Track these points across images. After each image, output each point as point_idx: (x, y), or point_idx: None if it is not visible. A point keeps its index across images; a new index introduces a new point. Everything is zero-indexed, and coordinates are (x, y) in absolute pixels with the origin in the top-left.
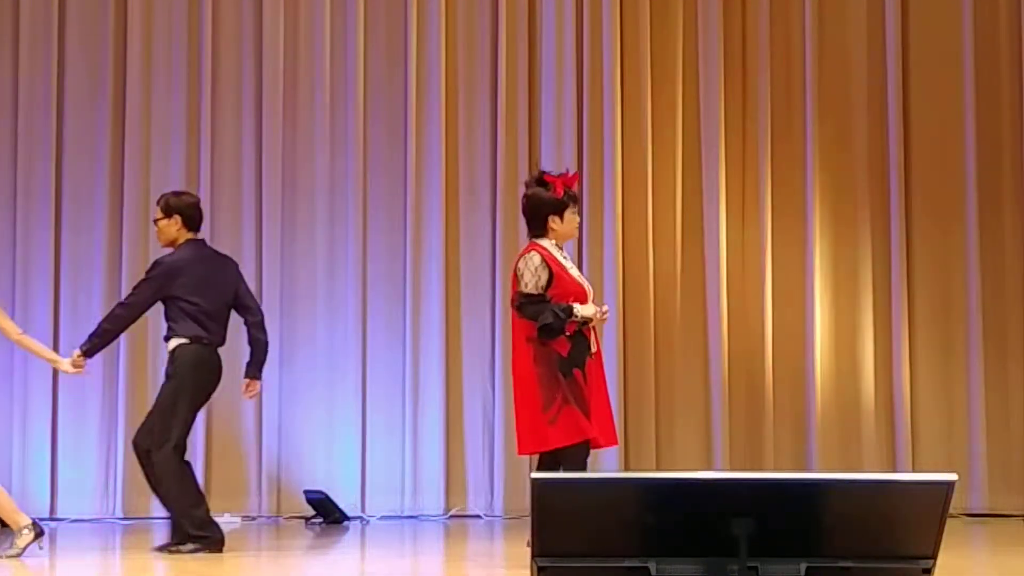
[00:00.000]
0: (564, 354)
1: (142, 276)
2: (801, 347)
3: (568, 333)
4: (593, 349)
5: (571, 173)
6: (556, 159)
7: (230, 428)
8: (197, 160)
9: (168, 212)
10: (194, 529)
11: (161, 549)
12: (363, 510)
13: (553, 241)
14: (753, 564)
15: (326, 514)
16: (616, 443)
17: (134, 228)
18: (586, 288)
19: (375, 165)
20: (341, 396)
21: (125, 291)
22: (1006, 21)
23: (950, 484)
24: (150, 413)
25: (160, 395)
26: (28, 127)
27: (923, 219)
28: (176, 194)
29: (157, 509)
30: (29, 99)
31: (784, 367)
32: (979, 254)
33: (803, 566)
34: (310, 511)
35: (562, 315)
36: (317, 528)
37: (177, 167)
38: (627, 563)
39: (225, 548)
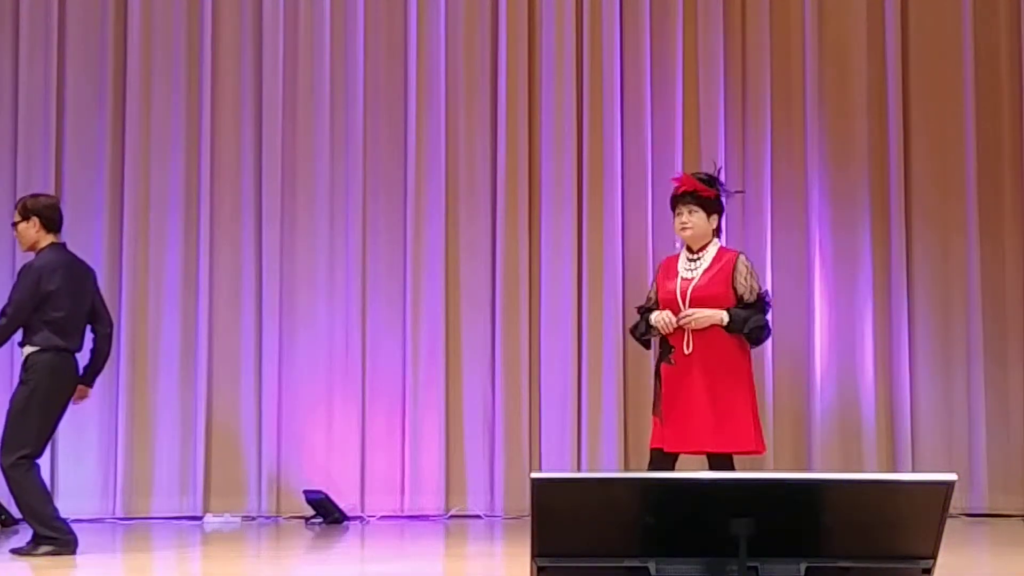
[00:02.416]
0: (656, 361)
1: (15, 286)
2: (801, 347)
3: (661, 337)
4: (688, 351)
5: (681, 174)
6: (556, 159)
7: (230, 428)
8: (197, 160)
9: (26, 215)
10: (46, 530)
11: (16, 552)
12: (363, 510)
13: (686, 246)
14: (753, 564)
15: (326, 514)
16: (695, 449)
17: (134, 228)
18: (677, 295)
19: (375, 165)
20: (341, 396)
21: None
22: (1006, 21)
23: (950, 484)
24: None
25: (12, 402)
26: (28, 127)
27: (923, 220)
28: (33, 196)
29: (158, 509)
30: (29, 99)
31: (784, 367)
32: (979, 254)
33: (803, 566)
34: (310, 511)
35: (640, 326)
36: (317, 528)
37: (177, 167)
38: (627, 563)
39: (222, 548)
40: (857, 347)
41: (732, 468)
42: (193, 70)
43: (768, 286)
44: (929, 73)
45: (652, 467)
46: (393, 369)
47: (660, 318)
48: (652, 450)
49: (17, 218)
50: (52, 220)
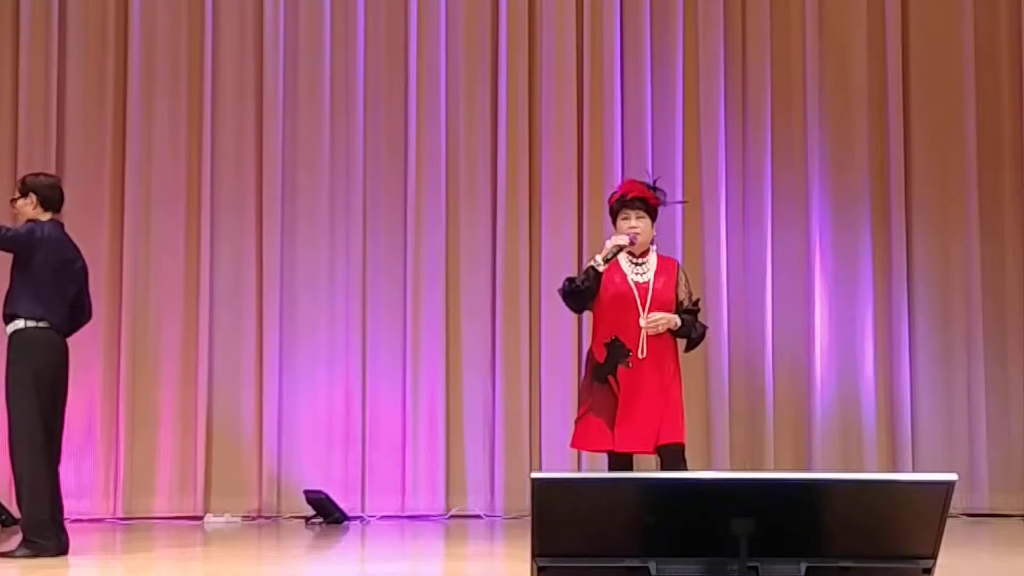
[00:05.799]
0: (600, 360)
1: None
2: (801, 347)
3: (606, 340)
4: (643, 355)
5: (627, 180)
6: (556, 159)
7: (230, 428)
8: (197, 160)
9: (24, 191)
10: (31, 535)
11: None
12: (363, 510)
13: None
14: (753, 564)
15: (326, 514)
16: (648, 449)
17: (135, 228)
18: (636, 297)
19: (375, 166)
20: (341, 396)
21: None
22: (1006, 20)
23: (950, 484)
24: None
25: (5, 390)
26: (28, 128)
27: (923, 219)
28: (34, 174)
29: (158, 509)
30: (29, 99)
31: (784, 367)
32: (979, 254)
33: (803, 566)
34: (310, 511)
35: (584, 272)
36: (317, 528)
37: (177, 167)
38: (627, 563)
39: (222, 548)
40: (857, 347)
41: (684, 460)
42: (194, 71)
43: (768, 285)
44: (929, 73)
45: (616, 469)
46: (393, 369)
47: (613, 243)
48: (612, 452)
49: (16, 194)
50: (50, 199)
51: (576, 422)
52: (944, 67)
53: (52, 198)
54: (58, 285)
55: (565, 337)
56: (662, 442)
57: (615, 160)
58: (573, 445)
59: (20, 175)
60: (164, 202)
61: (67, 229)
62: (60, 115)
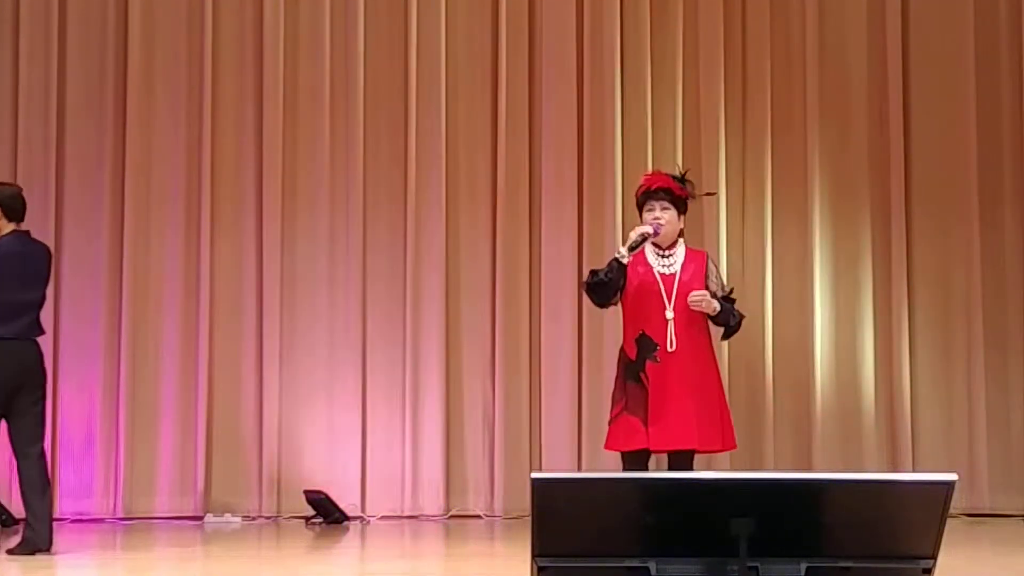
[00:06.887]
0: (632, 358)
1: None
2: (801, 347)
3: (633, 339)
4: (672, 348)
5: (652, 172)
6: (556, 159)
7: (231, 428)
8: (198, 160)
9: None
10: None
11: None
12: (363, 510)
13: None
14: (753, 564)
15: (326, 514)
16: (683, 447)
17: (135, 228)
18: (662, 290)
19: (375, 165)
20: (341, 396)
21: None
22: (1006, 21)
23: (950, 484)
24: None
25: None
26: (28, 129)
27: (924, 219)
28: None
29: (158, 509)
30: (29, 101)
31: (784, 367)
32: (980, 254)
33: (803, 566)
34: (310, 511)
35: (607, 265)
36: (317, 528)
37: (177, 167)
38: (627, 563)
39: (222, 548)
40: (857, 346)
41: (692, 466)
42: (194, 70)
43: (768, 285)
44: (929, 71)
45: (632, 469)
46: (393, 369)
47: (638, 234)
48: (632, 453)
49: None
50: (13, 209)
51: (610, 423)
52: (944, 67)
53: (15, 208)
54: (22, 297)
55: (565, 337)
56: (704, 447)
57: (615, 159)
58: (607, 447)
59: (20, 175)
60: (164, 202)
61: (65, 229)
62: (60, 115)
